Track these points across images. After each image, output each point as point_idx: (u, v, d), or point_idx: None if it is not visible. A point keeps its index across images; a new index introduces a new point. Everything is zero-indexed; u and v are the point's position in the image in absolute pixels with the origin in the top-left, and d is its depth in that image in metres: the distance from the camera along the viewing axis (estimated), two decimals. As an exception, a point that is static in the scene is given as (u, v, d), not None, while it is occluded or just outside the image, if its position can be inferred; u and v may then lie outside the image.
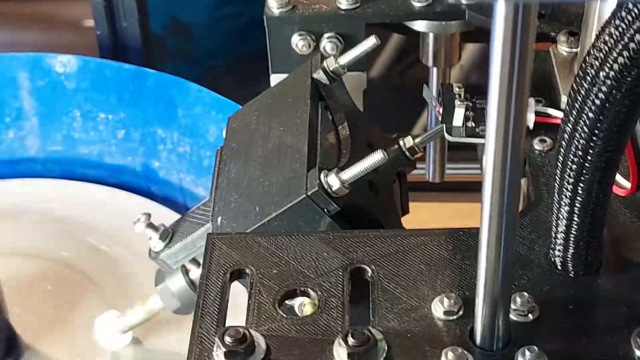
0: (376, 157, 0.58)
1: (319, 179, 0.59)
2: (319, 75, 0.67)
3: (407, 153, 0.68)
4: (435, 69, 0.77)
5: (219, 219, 0.63)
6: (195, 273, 0.69)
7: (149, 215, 0.66)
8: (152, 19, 1.00)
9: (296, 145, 0.63)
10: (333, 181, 0.58)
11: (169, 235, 0.67)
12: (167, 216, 0.87)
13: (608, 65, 0.43)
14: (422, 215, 0.77)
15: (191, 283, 0.69)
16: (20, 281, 0.79)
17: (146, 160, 0.91)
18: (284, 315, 0.51)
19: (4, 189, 0.90)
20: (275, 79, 0.75)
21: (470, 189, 1.05)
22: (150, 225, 0.66)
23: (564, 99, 0.61)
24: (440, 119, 0.63)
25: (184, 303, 0.70)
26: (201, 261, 0.67)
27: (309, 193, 0.59)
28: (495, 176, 0.42)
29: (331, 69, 0.67)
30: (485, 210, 0.43)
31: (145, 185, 0.91)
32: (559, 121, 0.60)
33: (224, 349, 0.48)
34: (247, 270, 0.54)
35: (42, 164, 0.93)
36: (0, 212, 0.88)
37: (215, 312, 0.52)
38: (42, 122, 0.91)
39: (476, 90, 0.66)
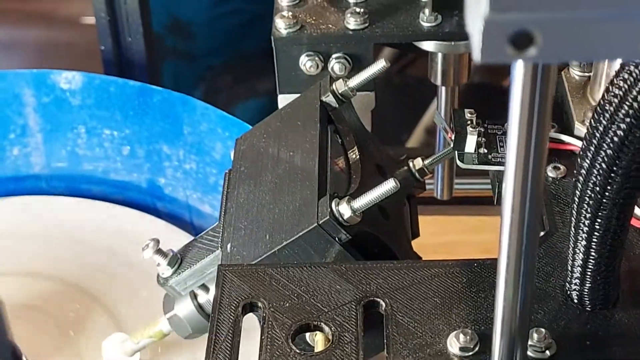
0: (388, 186, 0.57)
1: (330, 208, 0.58)
2: (328, 98, 0.67)
3: (416, 175, 0.68)
4: (443, 88, 0.77)
5: (229, 245, 0.63)
6: (204, 297, 0.68)
7: (157, 241, 0.66)
8: (152, 18, 0.99)
9: (306, 170, 0.62)
10: (344, 210, 0.58)
11: (177, 261, 0.66)
12: (173, 234, 0.87)
13: (628, 103, 0.42)
14: (428, 229, 0.76)
15: (199, 307, 0.68)
16: (25, 302, 0.79)
17: (152, 177, 0.90)
18: (297, 352, 0.50)
19: (8, 206, 0.90)
20: (282, 99, 0.74)
21: (476, 202, 1.05)
22: (159, 251, 0.66)
23: (577, 125, 0.61)
24: (452, 145, 0.62)
25: (194, 327, 0.69)
26: (210, 286, 0.67)
27: (320, 222, 0.58)
28: (514, 212, 0.41)
29: (340, 91, 0.67)
30: (504, 244, 0.43)
31: (151, 202, 0.91)
32: (572, 147, 0.60)
33: (237, 387, 0.47)
34: (259, 304, 0.53)
35: (46, 180, 0.92)
36: (4, 231, 0.87)
37: (228, 348, 0.51)
38: (46, 138, 0.91)
39: (477, 107, 0.65)
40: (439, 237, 0.77)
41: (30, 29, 1.36)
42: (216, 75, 1.28)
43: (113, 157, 0.90)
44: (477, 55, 0.30)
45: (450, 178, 0.82)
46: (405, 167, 0.68)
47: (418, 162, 0.67)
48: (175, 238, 0.85)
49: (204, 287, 0.67)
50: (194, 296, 0.68)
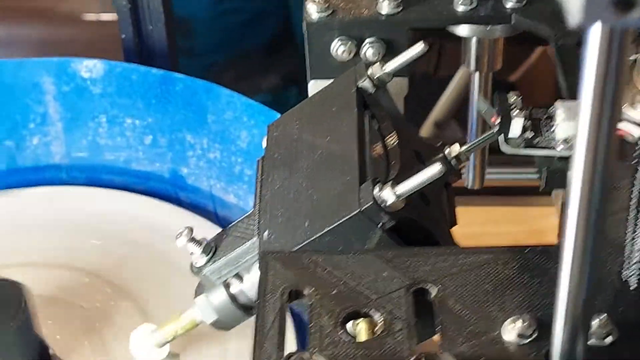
0: (434, 171, 0.56)
1: (373, 193, 0.57)
2: (364, 83, 0.65)
3: (453, 162, 0.66)
4: (477, 74, 0.75)
5: (265, 233, 0.61)
6: (237, 287, 0.67)
7: (191, 230, 0.64)
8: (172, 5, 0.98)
9: (345, 156, 0.61)
10: (387, 195, 0.56)
11: (211, 249, 0.65)
12: (198, 224, 0.85)
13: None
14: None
15: (232, 297, 0.67)
16: (49, 294, 0.77)
17: (174, 166, 0.89)
18: (347, 339, 0.49)
19: (28, 197, 0.88)
20: (313, 85, 0.73)
21: (500, 192, 1.03)
22: (193, 240, 0.64)
23: (624, 109, 0.59)
24: (496, 129, 0.61)
25: (225, 318, 0.68)
26: (244, 276, 0.66)
27: (363, 208, 0.57)
28: (582, 192, 0.40)
29: (377, 76, 0.66)
30: (570, 228, 0.41)
31: (173, 192, 0.89)
32: (622, 132, 0.59)
33: (289, 377, 0.46)
34: (305, 291, 0.52)
35: (67, 171, 0.91)
36: (25, 221, 0.86)
37: (275, 337, 0.50)
38: (67, 128, 0.89)
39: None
40: (463, 229, 0.76)
41: (31, 26, 1.34)
42: (218, 73, 1.26)
43: (135, 147, 0.89)
44: (575, 17, 0.29)
45: (482, 167, 0.80)
46: (441, 154, 0.66)
47: (455, 149, 0.66)
48: (201, 228, 0.84)
49: (238, 277, 0.66)
50: (226, 286, 0.67)
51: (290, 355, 0.47)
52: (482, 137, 0.65)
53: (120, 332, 0.75)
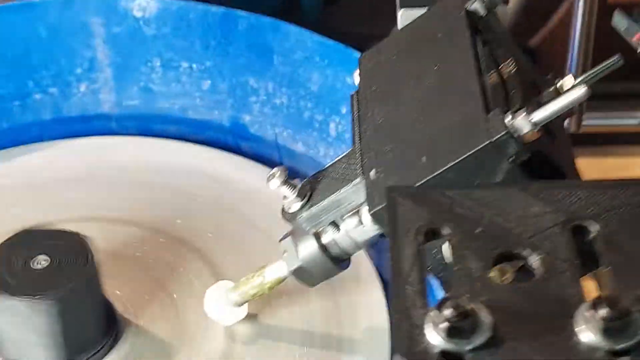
0: (578, 94, 0.49)
1: (505, 122, 0.50)
2: (474, 5, 0.58)
3: (566, 95, 0.59)
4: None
5: (372, 173, 0.54)
6: (329, 237, 0.60)
7: (285, 170, 0.57)
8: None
9: (463, 84, 0.54)
10: (522, 124, 0.50)
11: (307, 193, 0.58)
12: (263, 175, 0.78)
13: None
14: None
15: (323, 248, 0.60)
16: (113, 249, 0.70)
17: (235, 114, 0.81)
18: (501, 284, 0.42)
19: (77, 148, 0.81)
20: (404, 14, 0.66)
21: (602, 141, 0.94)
22: (287, 182, 0.57)
23: None
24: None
25: (313, 270, 0.61)
26: (341, 223, 0.59)
27: (494, 139, 0.50)
28: None
29: (489, -2, 0.59)
30: None
31: (234, 143, 0.82)
32: None
33: (444, 325, 0.39)
34: (444, 231, 0.45)
35: (117, 120, 0.83)
36: (73, 174, 0.78)
37: (417, 281, 0.43)
38: (117, 73, 0.82)
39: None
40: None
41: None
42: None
43: (191, 93, 0.82)
44: None
45: (582, 109, 0.73)
46: (553, 87, 0.59)
47: (569, 81, 0.59)
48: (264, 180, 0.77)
49: (334, 225, 0.59)
50: (317, 236, 0.60)
51: (445, 300, 0.40)
52: (603, 64, 0.58)
53: (190, 290, 0.68)
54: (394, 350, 0.40)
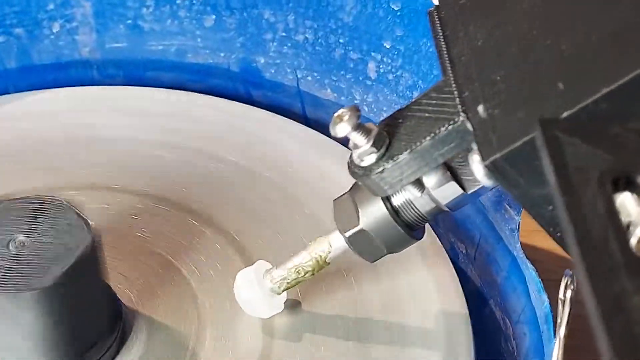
0: None
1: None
2: None
3: None
4: None
5: (481, 108, 0.40)
6: (403, 197, 0.46)
7: (357, 111, 0.43)
8: None
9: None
10: None
11: (385, 140, 0.43)
12: (285, 127, 0.64)
13: None
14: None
15: (394, 212, 0.46)
16: (108, 225, 0.55)
17: (246, 56, 0.67)
18: None
19: (51, 102, 0.65)
20: None
21: None
22: (360, 127, 0.43)
23: None
24: None
25: (384, 241, 0.47)
26: (427, 181, 0.45)
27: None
28: None
29: None
30: None
31: (244, 91, 0.68)
32: None
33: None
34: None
35: (99, 67, 0.68)
36: (50, 134, 0.63)
37: (619, 251, 0.29)
38: (98, 9, 0.66)
39: None
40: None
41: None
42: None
43: (191, 32, 0.67)
44: None
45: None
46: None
47: None
48: (286, 135, 0.63)
49: (417, 183, 0.45)
50: (385, 198, 0.46)
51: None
52: None
53: (212, 275, 0.54)
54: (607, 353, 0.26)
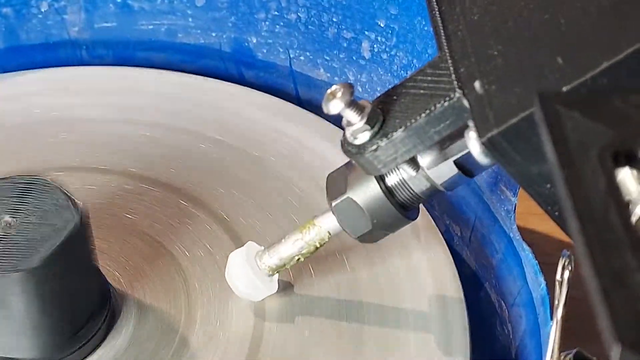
0: None
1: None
2: None
3: None
4: None
5: (477, 84, 0.39)
6: (397, 177, 0.45)
7: (350, 87, 0.42)
8: None
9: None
10: None
11: (379, 118, 0.42)
12: (275, 111, 0.62)
13: None
14: None
15: (388, 192, 0.45)
16: (96, 205, 0.54)
17: (238, 35, 0.66)
18: None
19: (39, 82, 0.64)
20: None
21: None
22: (353, 104, 0.42)
23: None
24: None
25: (377, 222, 0.46)
26: (422, 159, 0.44)
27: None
28: None
29: None
30: None
31: (236, 72, 0.67)
32: None
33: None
34: (641, 153, 0.30)
35: (88, 48, 0.67)
36: (38, 114, 0.62)
37: (621, 226, 0.28)
38: (87, -13, 0.65)
39: None
40: None
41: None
42: None
43: (182, 11, 0.66)
44: None
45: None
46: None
47: None
48: (280, 116, 0.62)
49: (412, 162, 0.44)
50: (379, 177, 0.45)
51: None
52: None
53: (202, 256, 0.53)
54: (613, 340, 0.25)
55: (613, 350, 0.25)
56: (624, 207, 0.28)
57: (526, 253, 0.52)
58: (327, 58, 0.64)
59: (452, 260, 0.54)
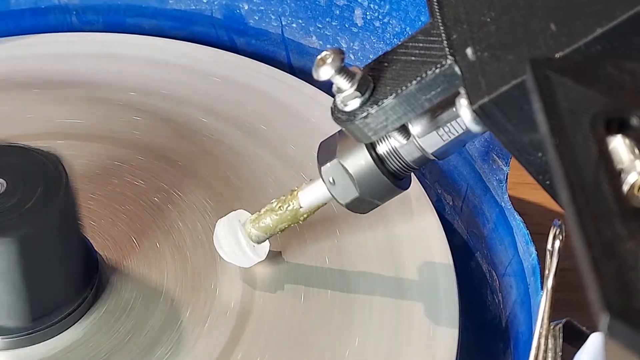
0: None
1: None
2: None
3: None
4: None
5: (469, 50, 0.39)
6: (388, 145, 0.45)
7: (340, 53, 0.41)
8: None
9: None
10: None
11: (369, 84, 0.42)
12: (267, 79, 0.62)
13: None
14: None
15: (379, 160, 0.45)
16: (85, 174, 0.54)
17: (230, 2, 0.65)
18: None
19: (27, 48, 0.63)
20: None
21: None
22: (343, 70, 0.41)
23: None
24: None
25: (368, 191, 0.46)
26: (413, 126, 0.44)
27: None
28: None
29: None
30: None
31: (228, 39, 0.66)
32: None
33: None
34: (634, 120, 0.29)
35: (78, 13, 0.66)
36: (27, 80, 0.61)
37: (611, 195, 0.27)
38: (76, -49, 0.65)
39: None
40: None
41: None
42: None
43: (173, -24, 0.65)
44: None
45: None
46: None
47: None
48: (271, 83, 0.61)
49: (402, 130, 0.44)
50: (370, 146, 0.45)
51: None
52: None
53: (191, 224, 0.52)
54: (602, 308, 0.25)
55: (601, 319, 0.25)
56: (616, 175, 0.28)
57: (517, 222, 0.51)
58: (320, 26, 0.63)
59: (443, 230, 0.53)
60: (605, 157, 0.28)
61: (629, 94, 0.30)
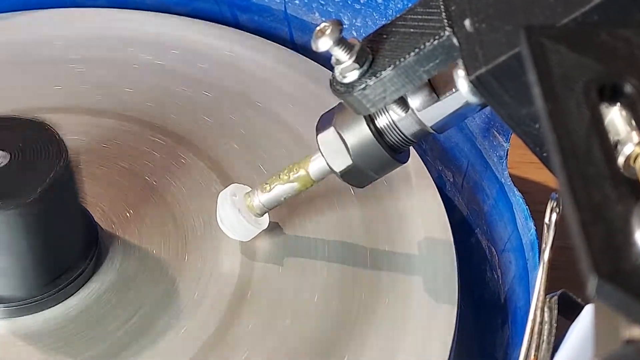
0: None
1: None
2: None
3: None
4: None
5: (467, 22, 0.39)
6: (387, 119, 0.45)
7: (339, 25, 0.41)
8: None
9: None
10: None
11: (368, 56, 0.42)
12: (270, 56, 0.62)
13: None
14: None
15: (378, 134, 0.45)
16: (87, 146, 0.54)
17: (232, -23, 0.65)
18: None
19: (31, 23, 0.63)
20: None
21: None
22: (342, 42, 0.41)
23: None
24: None
25: (364, 163, 0.46)
26: (412, 100, 0.44)
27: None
28: None
29: None
30: None
31: (230, 16, 0.66)
32: None
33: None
34: (627, 88, 0.30)
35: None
36: (29, 55, 0.61)
37: (602, 160, 0.28)
38: None
39: None
40: None
41: None
42: None
43: (175, -49, 0.65)
44: None
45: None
46: None
47: None
48: (274, 58, 0.61)
49: (401, 102, 0.44)
50: (369, 117, 0.45)
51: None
52: None
53: (191, 197, 0.53)
54: (590, 270, 0.25)
55: (589, 281, 0.25)
56: (608, 141, 0.28)
57: (517, 198, 0.52)
58: (322, 2, 0.63)
59: (443, 206, 0.54)
60: (598, 122, 0.28)
61: (622, 61, 0.30)
